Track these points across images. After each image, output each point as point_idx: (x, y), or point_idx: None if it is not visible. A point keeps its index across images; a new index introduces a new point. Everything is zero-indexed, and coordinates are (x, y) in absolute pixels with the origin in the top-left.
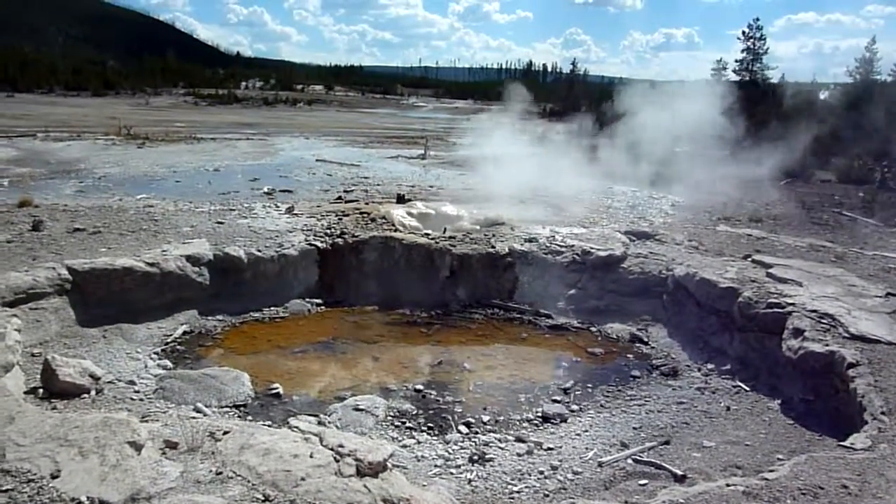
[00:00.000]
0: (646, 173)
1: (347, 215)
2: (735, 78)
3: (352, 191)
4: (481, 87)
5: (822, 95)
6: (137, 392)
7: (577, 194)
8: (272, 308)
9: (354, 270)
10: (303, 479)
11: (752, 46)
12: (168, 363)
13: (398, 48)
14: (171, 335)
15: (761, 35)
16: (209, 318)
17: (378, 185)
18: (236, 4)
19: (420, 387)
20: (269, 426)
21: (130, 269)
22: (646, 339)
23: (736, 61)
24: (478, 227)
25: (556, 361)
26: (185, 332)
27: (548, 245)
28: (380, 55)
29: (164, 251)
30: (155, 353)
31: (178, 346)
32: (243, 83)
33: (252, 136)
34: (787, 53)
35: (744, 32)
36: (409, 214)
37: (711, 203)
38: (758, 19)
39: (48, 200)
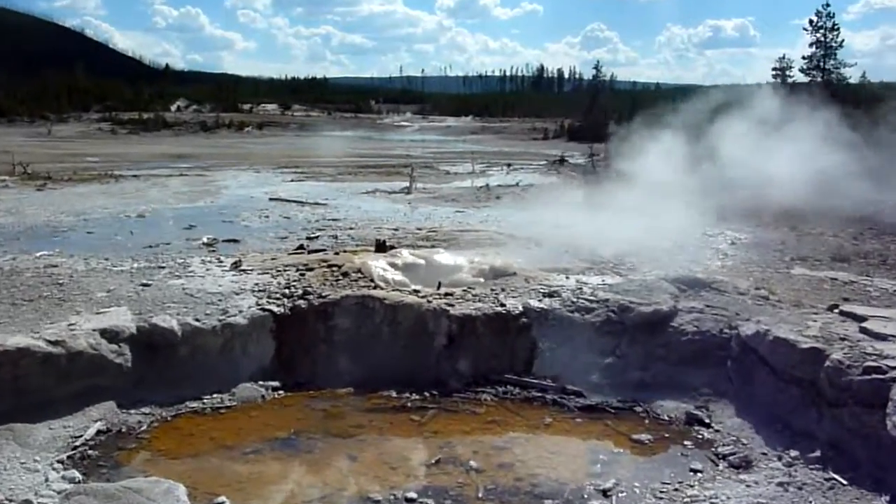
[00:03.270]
0: (695, 201)
1: (312, 269)
2: (803, 79)
3: (317, 237)
4: (479, 101)
5: None
6: None
7: (608, 233)
8: (215, 395)
9: (322, 342)
10: None
11: (822, 39)
12: (77, 475)
13: (373, 54)
14: (80, 436)
15: (833, 25)
16: (132, 411)
17: (351, 228)
18: (163, 5)
19: (413, 495)
20: None
21: (26, 349)
22: (707, 420)
23: (803, 58)
24: (482, 280)
25: (591, 454)
26: (99, 432)
27: (574, 300)
28: (349, 64)
29: (71, 325)
30: (59, 461)
31: (91, 451)
32: (175, 104)
33: (187, 172)
34: (868, 46)
35: (811, 22)
36: (393, 266)
37: (783, 239)
38: (828, 5)
39: None
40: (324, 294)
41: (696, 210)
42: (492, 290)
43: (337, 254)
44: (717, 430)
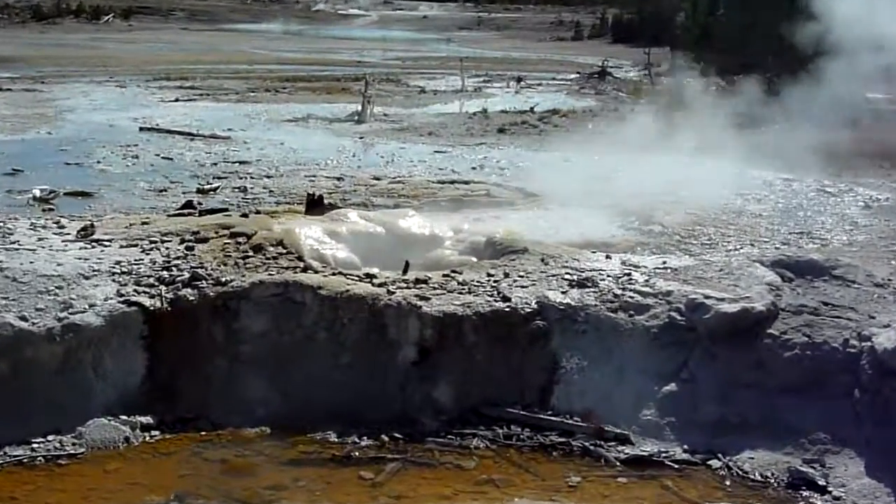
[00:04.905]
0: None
1: (206, 240)
2: None
3: (215, 190)
4: None
5: None
6: None
7: (673, 189)
8: (51, 438)
9: (221, 355)
10: None
11: None
12: None
13: None
14: None
15: None
16: None
17: (268, 176)
18: None
19: None
20: None
21: None
22: (822, 482)
23: None
24: (473, 260)
25: None
26: None
27: (618, 293)
28: None
29: None
30: None
31: None
32: None
33: (10, 85)
34: None
35: None
36: (334, 236)
37: None
38: None
39: None
40: (224, 279)
41: (810, 153)
42: (489, 275)
43: (245, 216)
44: (837, 498)
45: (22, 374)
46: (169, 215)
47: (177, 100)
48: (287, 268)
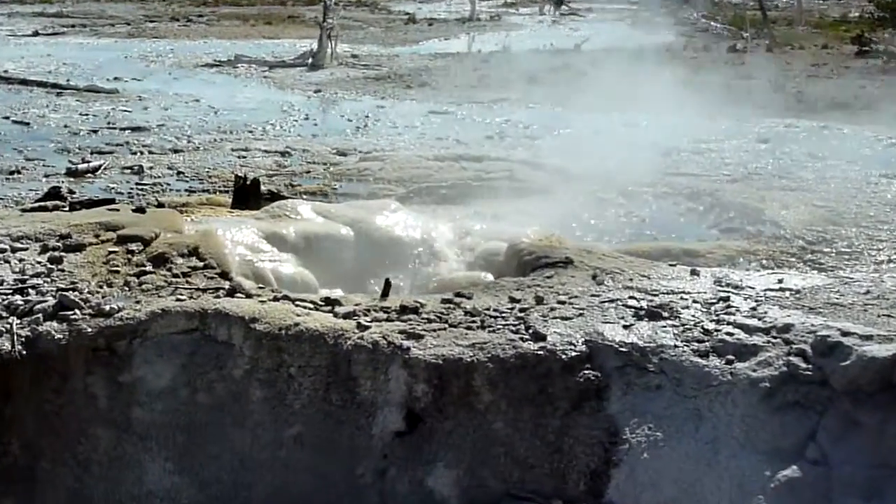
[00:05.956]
0: None
1: (80, 248)
2: None
3: (94, 171)
4: None
5: None
6: None
7: (793, 165)
8: None
9: (104, 422)
10: None
11: None
12: None
13: None
14: None
15: None
16: None
17: (176, 150)
18: None
19: None
20: None
21: None
22: None
23: None
24: (488, 277)
25: None
26: None
27: (710, 328)
28: None
29: None
30: None
31: None
32: None
33: None
34: None
35: None
36: (276, 242)
37: None
38: None
39: None
40: (108, 309)
41: None
42: (513, 300)
43: (141, 211)
44: None
45: None
46: (24, 210)
47: (36, 34)
48: (205, 290)
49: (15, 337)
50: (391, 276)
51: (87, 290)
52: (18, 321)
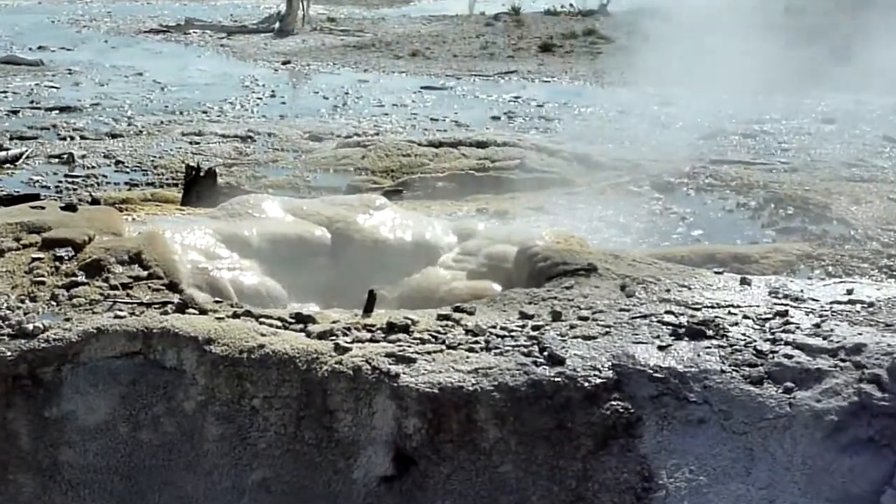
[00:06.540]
0: None
1: None
2: None
3: (13, 161)
4: None
5: None
6: None
7: (863, 152)
8: None
9: (25, 467)
10: None
11: None
12: None
13: None
14: None
15: None
16: None
17: (114, 134)
18: None
19: None
20: None
21: None
22: None
23: None
24: (495, 288)
25: None
26: None
27: (763, 349)
28: None
29: None
30: None
31: None
32: None
33: None
34: None
35: None
36: (235, 245)
37: None
38: None
39: None
40: (31, 328)
41: None
42: (524, 316)
43: (72, 208)
44: None
45: None
46: None
47: None
48: (150, 304)
49: None
50: (376, 287)
51: (5, 305)
52: None
